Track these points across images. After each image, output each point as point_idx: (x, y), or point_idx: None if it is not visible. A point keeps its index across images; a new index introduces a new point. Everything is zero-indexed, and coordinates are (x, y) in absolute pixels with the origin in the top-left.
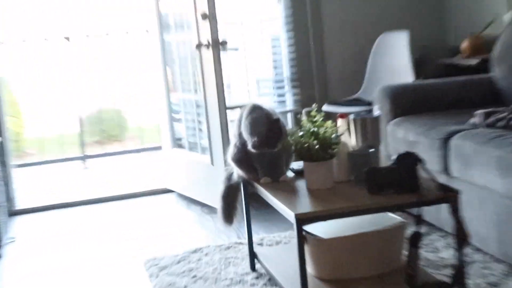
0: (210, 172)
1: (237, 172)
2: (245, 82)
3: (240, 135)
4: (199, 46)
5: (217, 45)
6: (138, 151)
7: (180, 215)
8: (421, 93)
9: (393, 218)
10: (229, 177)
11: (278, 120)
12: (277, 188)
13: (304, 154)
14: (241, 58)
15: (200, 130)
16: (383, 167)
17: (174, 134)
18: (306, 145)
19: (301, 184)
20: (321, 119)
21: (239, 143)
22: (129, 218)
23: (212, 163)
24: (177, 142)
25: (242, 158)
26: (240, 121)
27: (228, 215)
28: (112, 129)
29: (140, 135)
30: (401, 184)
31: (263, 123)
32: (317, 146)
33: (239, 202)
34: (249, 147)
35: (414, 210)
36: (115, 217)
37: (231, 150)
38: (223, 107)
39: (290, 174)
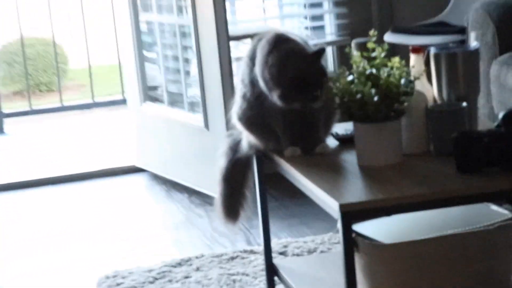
0: (203, 141)
1: (248, 140)
2: None
3: (252, 82)
4: None
5: None
6: (86, 107)
7: (157, 207)
8: None
9: (497, 212)
10: (234, 147)
11: (319, 56)
12: (312, 165)
13: (356, 110)
14: None
15: (188, 74)
16: (482, 132)
17: (146, 81)
18: (358, 96)
19: (350, 159)
20: (383, 54)
21: (250, 95)
22: (74, 212)
23: (206, 127)
24: (150, 94)
25: (256, 117)
26: (253, 59)
27: (232, 208)
28: (43, 73)
29: (90, 83)
30: (511, 158)
31: (295, 62)
32: (376, 98)
33: (249, 187)
34: (274, 99)
35: None
36: (50, 212)
37: (238, 105)
38: (224, 37)
39: (331, 142)
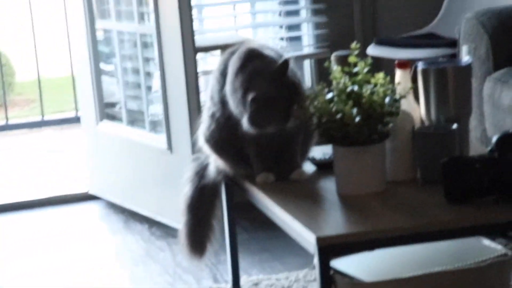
0: (166, 165)
1: (216, 165)
2: (228, 3)
3: (223, 100)
4: None
5: None
6: (35, 125)
7: (113, 239)
8: None
9: (489, 247)
10: (201, 172)
11: (283, 71)
12: (286, 193)
13: (335, 132)
14: None
15: (149, 89)
16: (474, 157)
17: (102, 97)
18: (338, 116)
19: (329, 186)
20: (366, 70)
21: (220, 115)
22: (19, 245)
23: (169, 149)
24: (107, 111)
25: (226, 139)
26: (224, 75)
27: (198, 241)
28: None
29: (40, 98)
30: (506, 187)
31: (258, 83)
32: (358, 119)
33: (216, 217)
34: (244, 125)
35: None
36: None
37: (206, 125)
38: (190, 48)
39: (308, 167)
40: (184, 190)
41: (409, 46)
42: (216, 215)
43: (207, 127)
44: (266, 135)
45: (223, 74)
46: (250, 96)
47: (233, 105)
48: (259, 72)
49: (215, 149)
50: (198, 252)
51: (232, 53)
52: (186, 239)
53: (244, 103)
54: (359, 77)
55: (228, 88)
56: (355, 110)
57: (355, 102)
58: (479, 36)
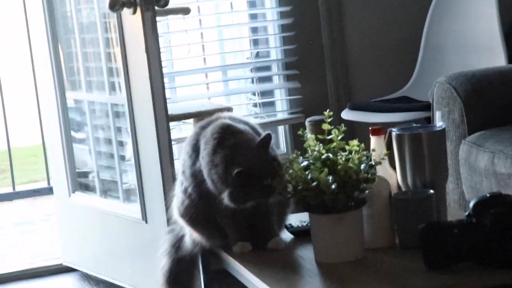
0: (140, 235)
1: (192, 237)
2: (200, 71)
3: (194, 174)
4: (115, 4)
5: (151, 3)
6: (6, 198)
7: None
8: None
9: None
10: (177, 244)
11: (265, 145)
12: (264, 262)
13: (311, 200)
14: (194, 27)
15: (123, 158)
16: (451, 222)
17: (75, 168)
18: (314, 184)
19: (306, 254)
20: (340, 136)
21: (193, 191)
22: None
23: (144, 219)
24: (80, 181)
25: (200, 214)
26: (196, 150)
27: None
28: None
29: (10, 169)
30: (485, 252)
31: (240, 158)
32: (334, 186)
33: (197, 284)
34: (225, 200)
35: None
36: None
37: (179, 200)
38: (162, 117)
39: (285, 235)
40: (161, 263)
41: (383, 110)
42: (196, 286)
43: (181, 202)
44: (243, 209)
45: (195, 149)
46: (234, 171)
47: (211, 181)
48: (241, 147)
49: (190, 223)
50: None
51: (203, 128)
52: None
53: (225, 178)
54: (333, 144)
55: (204, 164)
56: (330, 178)
57: (330, 170)
58: (452, 100)
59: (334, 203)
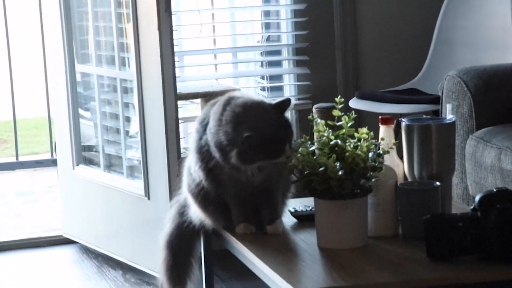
0: (142, 211)
1: (198, 216)
2: (209, 51)
3: (201, 150)
4: None
5: None
6: (8, 167)
7: (86, 285)
8: None
9: None
10: (183, 212)
11: (282, 108)
12: (267, 245)
13: (318, 186)
14: (206, 7)
15: (128, 134)
16: (456, 215)
17: (80, 141)
18: (322, 169)
19: (309, 239)
20: (350, 123)
21: (201, 166)
22: None
23: (147, 195)
24: (84, 155)
25: (207, 191)
26: (202, 124)
27: (178, 278)
28: None
29: (15, 139)
30: (488, 246)
31: (253, 115)
32: (341, 173)
33: (195, 257)
34: (233, 160)
35: None
36: None
37: (188, 175)
38: (171, 95)
39: (288, 220)
40: (165, 227)
41: (391, 101)
42: (195, 255)
43: (190, 178)
44: (247, 186)
45: (203, 124)
46: (244, 134)
47: (217, 143)
48: (253, 106)
49: (198, 200)
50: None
51: (213, 105)
52: (165, 275)
53: (234, 138)
54: (343, 131)
55: (210, 133)
56: (338, 165)
57: (338, 156)
58: (462, 95)
59: (340, 189)
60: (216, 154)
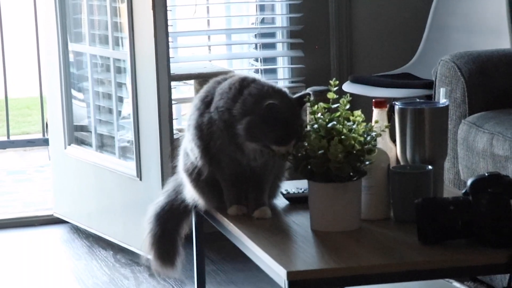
0: (134, 192)
1: (191, 195)
2: (203, 33)
3: (200, 126)
4: None
5: None
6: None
7: (76, 265)
8: None
9: None
10: (179, 190)
11: (302, 103)
12: (258, 226)
13: (316, 168)
14: None
15: (121, 115)
16: (448, 199)
17: (72, 120)
18: (320, 152)
19: (302, 221)
20: (347, 106)
21: (196, 143)
22: None
23: (138, 176)
24: (76, 135)
25: (201, 170)
26: (204, 102)
27: (165, 253)
28: None
29: (6, 118)
30: (479, 230)
31: (279, 98)
32: (340, 155)
33: (181, 237)
34: (240, 129)
35: (499, 279)
36: None
37: (184, 154)
38: (165, 76)
39: (280, 202)
40: (158, 200)
41: (385, 85)
42: (181, 235)
43: (184, 156)
44: (245, 169)
45: (204, 102)
46: (267, 101)
47: (229, 112)
48: (282, 92)
49: (190, 178)
50: (169, 264)
51: (219, 82)
52: (153, 248)
53: (253, 106)
54: (339, 113)
55: (223, 101)
56: (340, 147)
57: (334, 139)
58: (455, 80)
59: (339, 172)
60: (222, 129)
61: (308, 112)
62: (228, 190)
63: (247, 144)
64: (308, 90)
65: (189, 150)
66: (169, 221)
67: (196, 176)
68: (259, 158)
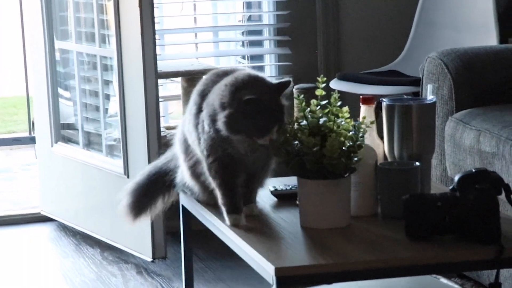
0: (121, 189)
1: (185, 179)
2: (190, 30)
3: (197, 125)
4: None
5: None
6: None
7: (63, 263)
8: (510, 66)
9: (446, 286)
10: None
11: (282, 89)
12: (246, 223)
13: (310, 166)
14: None
15: (108, 112)
16: (435, 195)
17: (59, 118)
18: (315, 149)
19: (289, 218)
20: (338, 103)
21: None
22: None
23: (126, 174)
24: (63, 134)
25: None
26: (201, 95)
27: (137, 206)
28: None
29: None
30: (466, 226)
31: (256, 86)
32: (335, 153)
33: (155, 210)
34: (219, 124)
35: (486, 275)
36: None
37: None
38: (152, 73)
39: (268, 199)
40: (158, 159)
41: (372, 82)
42: (155, 207)
43: (182, 142)
44: (239, 166)
45: (202, 95)
46: (245, 96)
47: (210, 108)
48: (256, 80)
49: (188, 166)
50: (134, 214)
51: (219, 75)
52: (133, 193)
53: (229, 102)
54: (328, 110)
55: (211, 97)
56: (337, 143)
57: (323, 136)
58: (442, 76)
59: (334, 169)
60: (209, 125)
61: (296, 108)
62: (223, 195)
63: (231, 137)
64: (294, 88)
65: (190, 142)
66: (158, 181)
67: (194, 164)
68: (250, 154)
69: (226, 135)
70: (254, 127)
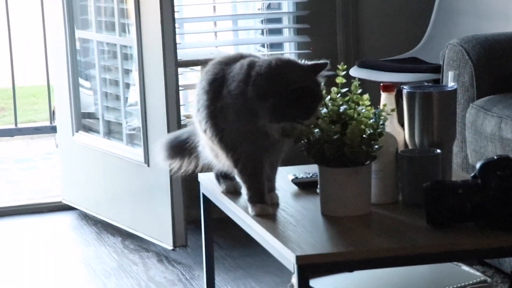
0: (142, 178)
1: (208, 155)
2: (209, 19)
3: (213, 114)
4: None
5: None
6: (7, 133)
7: (85, 251)
8: None
9: (468, 273)
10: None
11: (318, 70)
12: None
13: (331, 153)
14: None
15: (128, 101)
16: (456, 182)
17: (80, 107)
18: (336, 136)
19: (310, 206)
20: (359, 91)
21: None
22: None
23: (146, 162)
24: (84, 123)
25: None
26: (212, 84)
27: (172, 148)
28: None
29: (14, 106)
30: (488, 213)
31: (291, 71)
32: (356, 141)
33: (188, 159)
34: (264, 112)
35: (508, 262)
36: None
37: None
38: (172, 62)
39: (288, 187)
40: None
41: (392, 69)
42: (182, 162)
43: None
44: (266, 154)
45: (214, 84)
46: (291, 86)
47: (244, 97)
48: (289, 63)
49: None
50: (169, 153)
51: (227, 64)
52: (167, 137)
53: (268, 89)
54: (349, 97)
55: (232, 90)
56: (357, 131)
57: (344, 124)
58: (463, 63)
59: (355, 156)
60: (239, 114)
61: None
62: (250, 185)
63: (269, 125)
64: None
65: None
66: (177, 149)
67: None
68: (281, 140)
69: (263, 125)
70: (299, 111)
